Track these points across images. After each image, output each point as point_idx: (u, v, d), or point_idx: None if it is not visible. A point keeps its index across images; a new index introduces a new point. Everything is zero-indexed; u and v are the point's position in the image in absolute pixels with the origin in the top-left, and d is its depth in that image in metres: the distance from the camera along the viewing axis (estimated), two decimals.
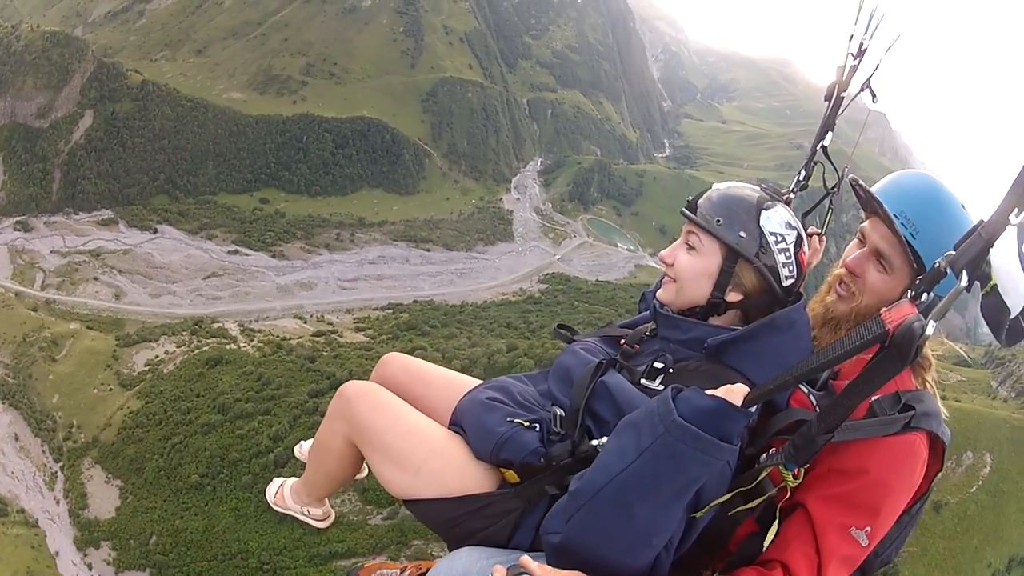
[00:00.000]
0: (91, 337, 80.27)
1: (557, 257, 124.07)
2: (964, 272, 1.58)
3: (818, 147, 2.77)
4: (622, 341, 2.57)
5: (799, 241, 2.33)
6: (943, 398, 2.40)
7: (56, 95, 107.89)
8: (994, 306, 1.75)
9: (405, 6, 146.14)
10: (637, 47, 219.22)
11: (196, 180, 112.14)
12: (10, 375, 75.18)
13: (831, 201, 2.90)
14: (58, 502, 63.34)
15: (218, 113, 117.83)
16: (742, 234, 2.27)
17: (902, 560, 51.79)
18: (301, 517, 3.25)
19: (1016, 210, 1.46)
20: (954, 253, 1.62)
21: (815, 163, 2.81)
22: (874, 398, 2.15)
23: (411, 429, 2.42)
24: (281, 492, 3.26)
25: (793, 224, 2.34)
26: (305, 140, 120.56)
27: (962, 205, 2.35)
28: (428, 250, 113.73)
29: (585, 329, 3.03)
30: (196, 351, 76.50)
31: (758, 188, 2.39)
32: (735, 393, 1.93)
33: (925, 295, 1.77)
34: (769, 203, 2.32)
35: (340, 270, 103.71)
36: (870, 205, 2.47)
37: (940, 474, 2.33)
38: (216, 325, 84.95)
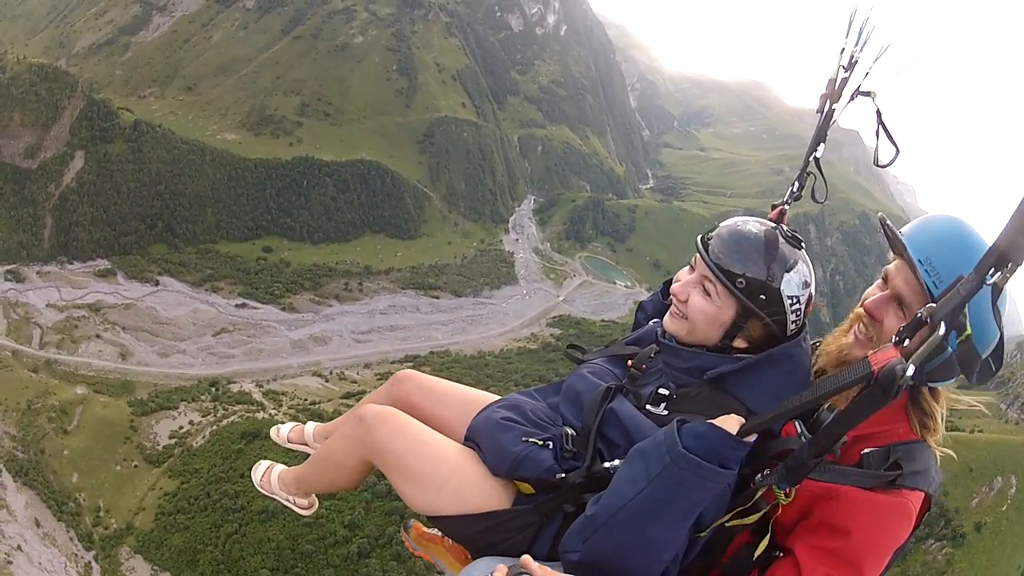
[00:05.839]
0: (102, 403, 75.32)
1: (560, 299, 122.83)
2: (942, 323, 1.71)
3: (810, 159, 2.79)
4: (629, 362, 2.63)
5: (810, 298, 2.38)
6: (956, 429, 2.31)
7: (45, 134, 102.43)
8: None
9: (396, 43, 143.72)
10: (618, 79, 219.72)
11: (195, 228, 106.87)
12: (19, 448, 68.14)
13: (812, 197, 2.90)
14: None
15: (215, 156, 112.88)
16: (762, 297, 2.29)
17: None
18: (287, 504, 3.31)
19: (992, 270, 1.63)
20: (935, 305, 1.75)
21: (808, 174, 2.83)
22: (866, 450, 2.24)
23: (431, 451, 2.50)
24: (268, 477, 3.32)
25: (809, 281, 2.36)
26: (306, 185, 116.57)
27: None
28: (437, 297, 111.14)
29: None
30: (224, 421, 72.12)
31: (779, 235, 2.35)
32: (731, 423, 2.11)
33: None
34: (791, 263, 2.31)
35: (352, 322, 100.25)
36: (896, 246, 2.36)
37: (919, 526, 2.37)
38: (235, 388, 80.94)
